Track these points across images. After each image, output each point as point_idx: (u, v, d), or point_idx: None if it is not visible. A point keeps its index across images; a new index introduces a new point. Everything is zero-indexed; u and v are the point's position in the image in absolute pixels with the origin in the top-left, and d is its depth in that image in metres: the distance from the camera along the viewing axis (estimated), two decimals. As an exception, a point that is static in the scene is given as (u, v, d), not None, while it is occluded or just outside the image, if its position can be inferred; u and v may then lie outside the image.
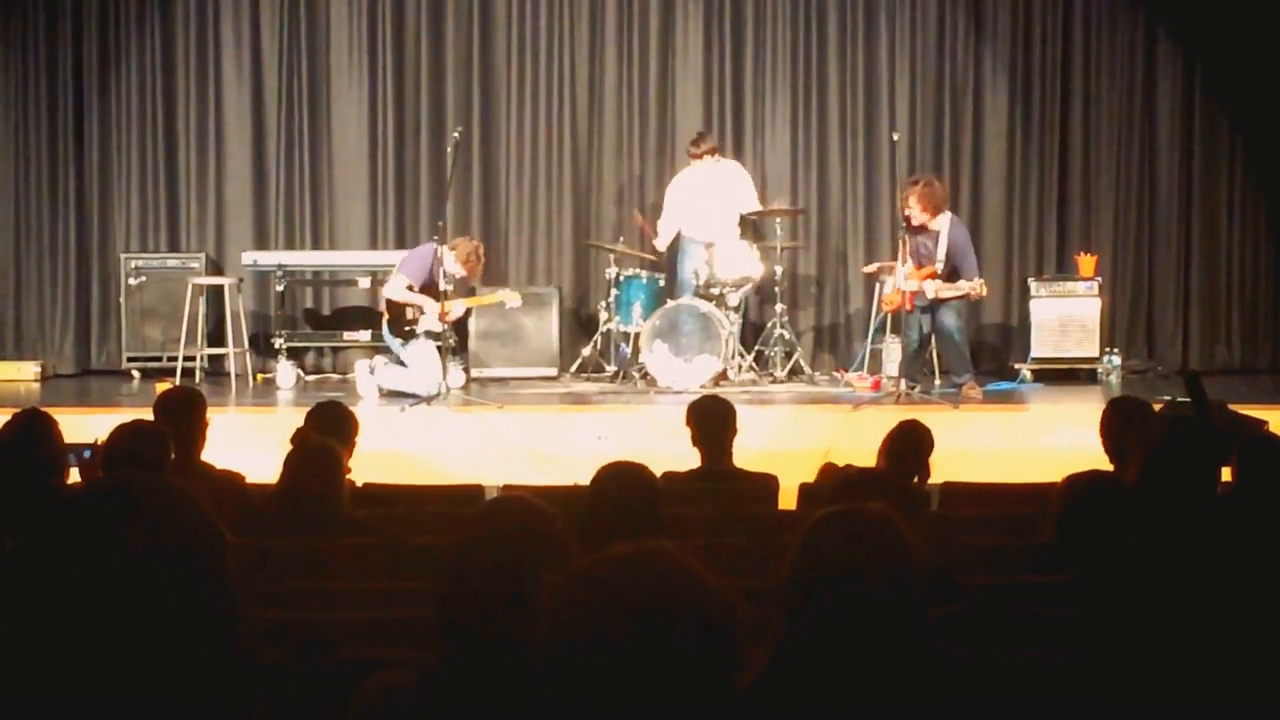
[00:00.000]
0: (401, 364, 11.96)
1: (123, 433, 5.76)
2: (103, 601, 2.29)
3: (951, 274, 11.73)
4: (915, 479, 6.60)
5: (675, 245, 13.26)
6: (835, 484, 5.10)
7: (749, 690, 2.64)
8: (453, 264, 11.93)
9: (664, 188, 14.03)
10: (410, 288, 11.92)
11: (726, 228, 12.89)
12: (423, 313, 11.84)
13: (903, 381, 11.57)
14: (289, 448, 5.86)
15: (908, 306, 11.74)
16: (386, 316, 12.10)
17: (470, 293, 12.76)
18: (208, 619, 2.37)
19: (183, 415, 6.57)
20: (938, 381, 12.30)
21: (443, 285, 11.66)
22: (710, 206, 12.90)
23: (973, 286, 11.55)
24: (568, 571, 2.39)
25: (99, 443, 5.99)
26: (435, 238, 11.80)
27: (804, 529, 2.92)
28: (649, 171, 14.35)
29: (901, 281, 11.57)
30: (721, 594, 2.36)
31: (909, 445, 6.66)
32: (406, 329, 11.89)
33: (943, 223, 11.80)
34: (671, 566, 2.36)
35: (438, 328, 11.83)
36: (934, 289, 11.60)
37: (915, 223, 11.83)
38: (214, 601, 2.39)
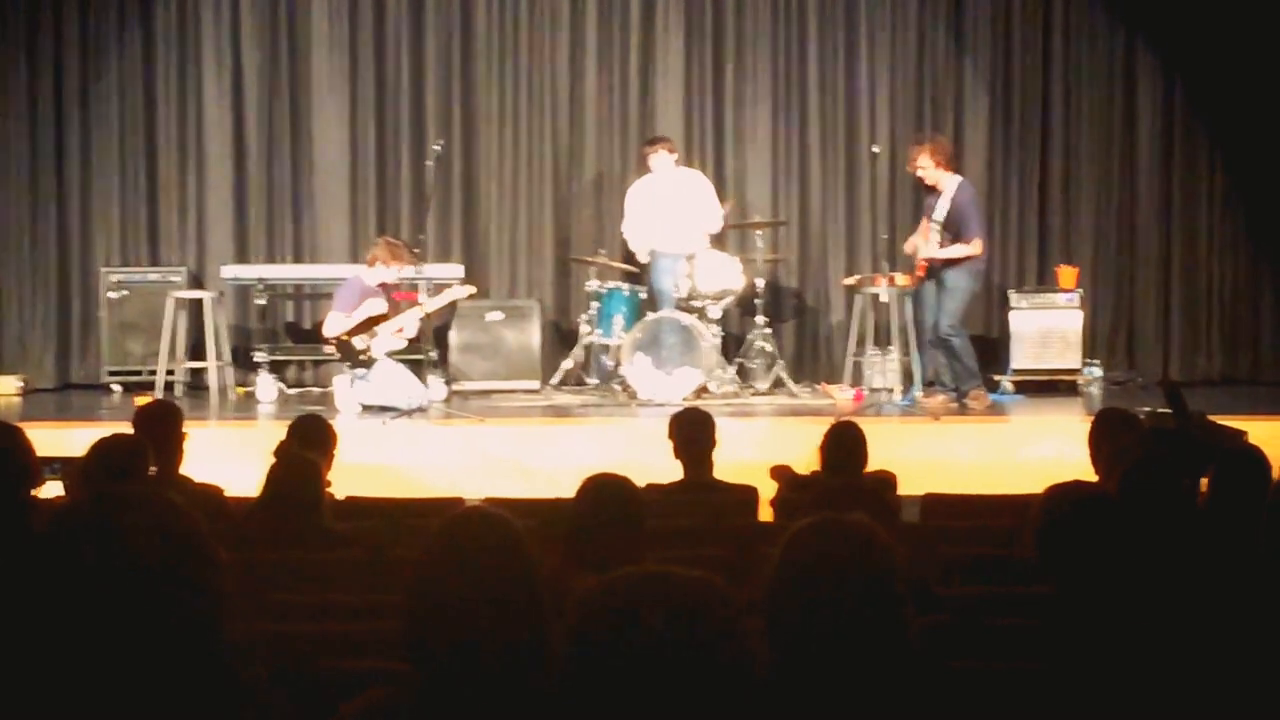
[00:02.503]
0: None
1: (103, 446, 5.75)
2: (100, 613, 2.28)
3: (953, 240, 11.69)
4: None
5: (651, 263, 13.26)
6: (814, 495, 5.11)
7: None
8: (388, 272, 11.90)
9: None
10: (346, 318, 11.88)
11: (696, 240, 12.80)
12: (374, 335, 11.78)
13: (918, 390, 11.91)
14: (270, 461, 5.86)
15: (919, 272, 11.78)
16: (338, 355, 12.03)
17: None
18: (200, 633, 2.37)
19: (160, 429, 6.56)
20: (919, 393, 12.25)
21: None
22: (677, 218, 12.85)
23: (968, 250, 11.51)
24: (592, 587, 2.39)
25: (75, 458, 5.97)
26: (384, 251, 11.88)
27: (784, 539, 2.92)
28: (630, 184, 14.34)
29: (922, 249, 11.72)
30: (743, 617, 2.37)
31: (849, 451, 6.69)
32: (362, 358, 11.81)
33: (950, 184, 11.76)
34: (698, 588, 2.36)
35: (396, 345, 11.81)
36: (926, 249, 11.59)
37: (929, 182, 11.81)
38: (206, 616, 2.39)
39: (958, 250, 11.59)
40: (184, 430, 6.73)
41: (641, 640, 2.28)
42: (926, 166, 11.77)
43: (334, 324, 11.89)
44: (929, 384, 12.39)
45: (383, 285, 11.97)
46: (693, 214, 12.93)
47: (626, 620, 2.31)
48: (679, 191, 13.02)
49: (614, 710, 2.27)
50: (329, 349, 12.70)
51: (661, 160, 12.99)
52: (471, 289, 12.51)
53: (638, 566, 2.42)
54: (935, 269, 11.74)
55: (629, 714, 2.27)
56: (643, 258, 13.22)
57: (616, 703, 2.27)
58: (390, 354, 11.85)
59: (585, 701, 2.30)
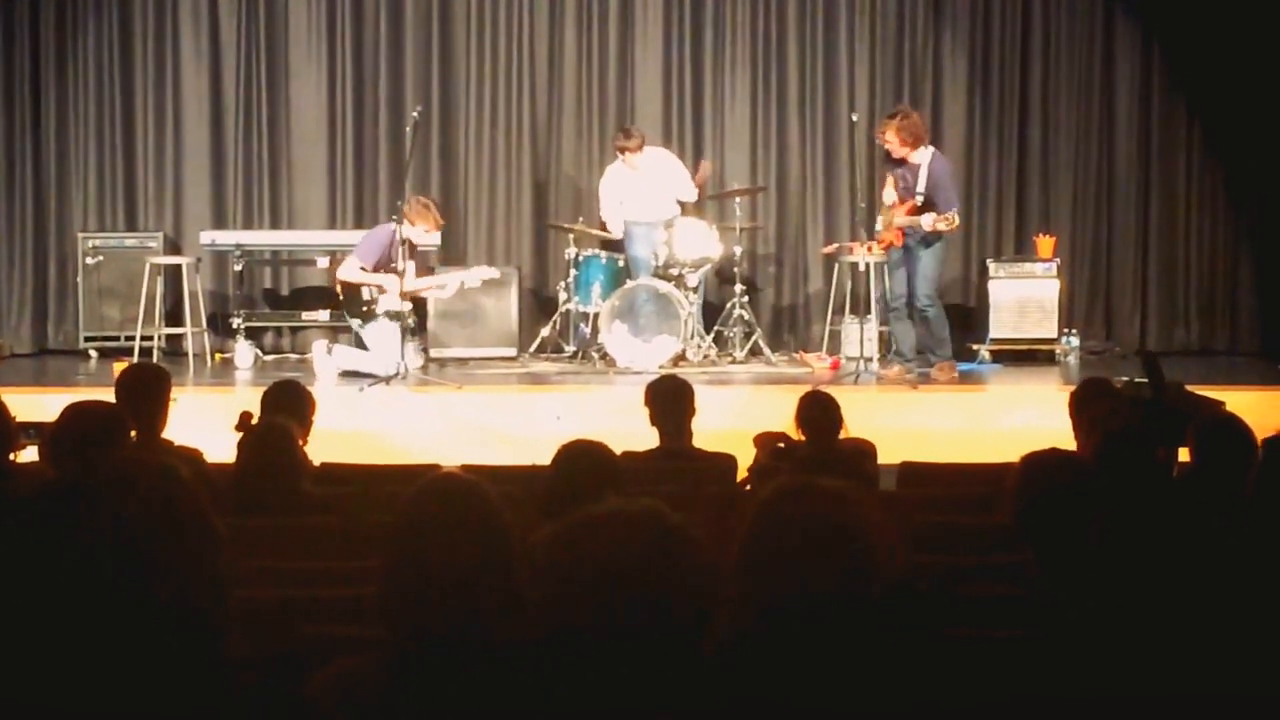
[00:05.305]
0: (361, 345, 12.00)
1: (75, 413, 5.68)
2: (98, 584, 2.26)
3: (927, 209, 11.61)
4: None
5: (625, 232, 13.26)
6: (792, 464, 5.11)
7: (711, 660, 2.65)
8: (420, 234, 11.99)
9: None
10: (364, 269, 11.92)
11: (669, 208, 12.93)
12: (383, 291, 11.83)
13: (893, 361, 11.91)
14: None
15: (897, 243, 11.74)
16: (342, 298, 12.10)
17: (430, 271, 12.83)
18: (198, 611, 2.35)
19: (146, 392, 6.48)
20: (876, 364, 12.20)
21: (402, 265, 11.62)
22: (648, 190, 12.94)
23: (946, 218, 11.42)
24: (558, 526, 2.40)
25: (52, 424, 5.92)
26: (394, 218, 11.83)
27: (756, 503, 2.91)
28: (608, 151, 14.29)
29: (899, 219, 11.67)
30: (707, 552, 2.39)
31: (825, 418, 6.68)
32: (364, 309, 11.88)
33: (923, 156, 11.69)
34: (661, 523, 2.38)
35: (399, 306, 11.82)
36: (930, 221, 11.47)
37: (895, 155, 11.74)
38: (206, 593, 2.37)
39: (934, 221, 11.44)
40: (171, 395, 6.67)
41: (603, 576, 2.30)
42: (892, 142, 11.70)
43: (350, 269, 11.95)
44: (885, 353, 12.41)
45: (408, 242, 11.90)
46: (664, 185, 12.94)
47: (586, 559, 2.32)
48: (649, 167, 13.02)
49: (582, 649, 2.29)
50: (307, 314, 12.74)
51: (631, 158, 12.99)
52: (495, 272, 12.76)
53: (589, 509, 2.44)
54: (909, 239, 11.71)
55: (597, 649, 2.28)
56: (617, 233, 13.21)
57: (580, 638, 2.29)
58: (388, 313, 11.86)
59: (556, 645, 2.32)
